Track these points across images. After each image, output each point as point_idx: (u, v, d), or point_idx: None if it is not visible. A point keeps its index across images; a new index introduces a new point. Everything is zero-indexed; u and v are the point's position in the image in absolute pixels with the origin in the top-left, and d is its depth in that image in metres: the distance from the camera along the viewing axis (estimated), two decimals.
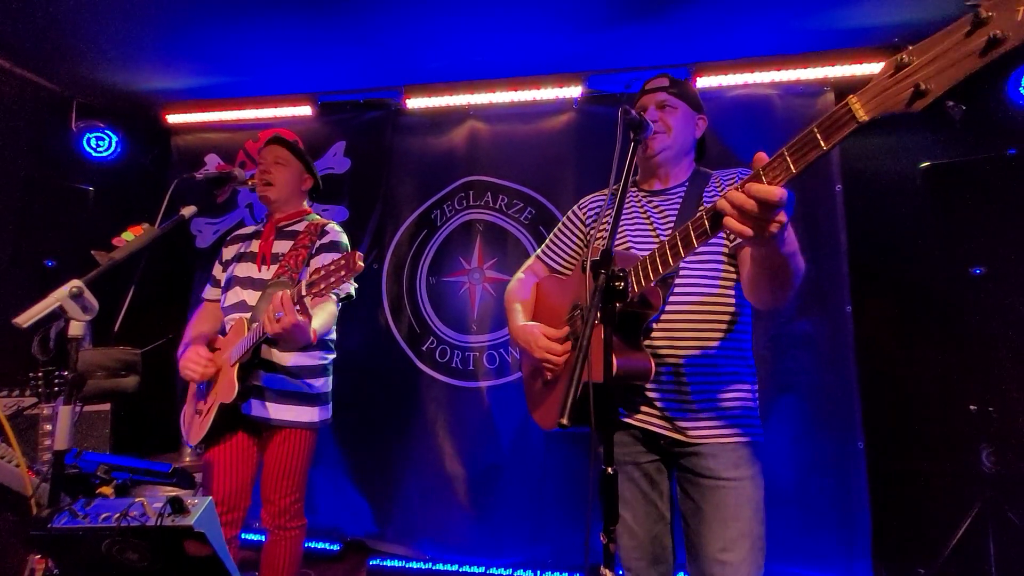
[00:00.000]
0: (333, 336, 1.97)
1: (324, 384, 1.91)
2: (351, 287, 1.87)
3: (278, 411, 1.80)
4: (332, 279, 1.43)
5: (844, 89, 2.46)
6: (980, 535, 2.18)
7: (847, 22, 2.28)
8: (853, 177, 2.42)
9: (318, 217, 2.01)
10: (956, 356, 2.37)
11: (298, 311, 1.47)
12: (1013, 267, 2.26)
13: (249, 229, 2.05)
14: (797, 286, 1.08)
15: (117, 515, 1.11)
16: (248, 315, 1.77)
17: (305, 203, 2.05)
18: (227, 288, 1.90)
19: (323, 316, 1.75)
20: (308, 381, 1.85)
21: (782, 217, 0.88)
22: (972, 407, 2.31)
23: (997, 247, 2.29)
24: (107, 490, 1.30)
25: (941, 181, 2.41)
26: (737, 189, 0.90)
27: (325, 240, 1.88)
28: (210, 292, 2.03)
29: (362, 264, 1.42)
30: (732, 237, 1.31)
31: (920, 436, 2.42)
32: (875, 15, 2.22)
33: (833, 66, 2.44)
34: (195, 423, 1.82)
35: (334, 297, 1.81)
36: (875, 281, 2.46)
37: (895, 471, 2.37)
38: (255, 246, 1.93)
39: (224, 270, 1.98)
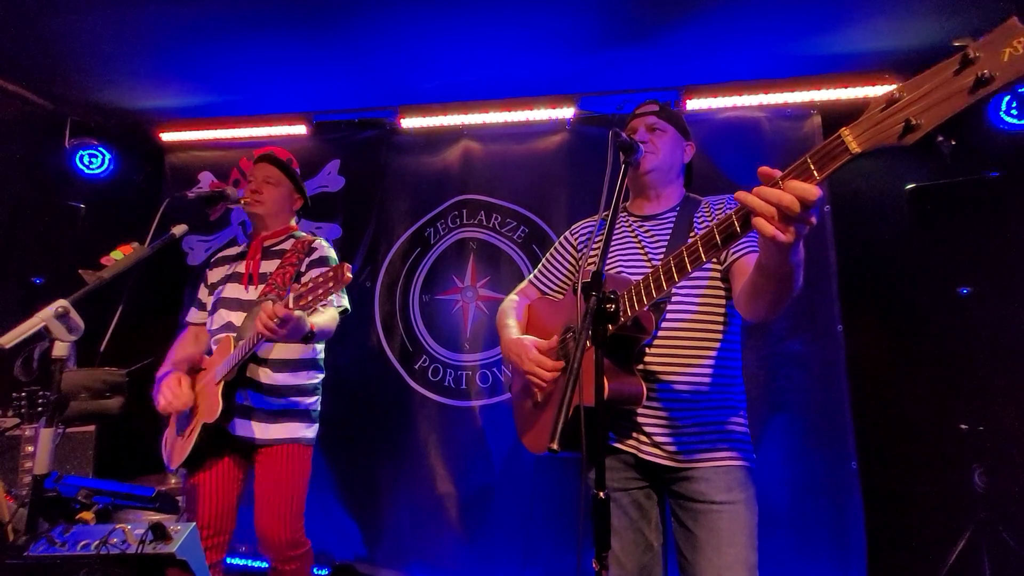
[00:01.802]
0: (322, 356, 1.95)
1: (313, 403, 1.88)
2: (345, 301, 1.86)
3: (264, 430, 1.76)
4: (320, 291, 1.42)
5: (830, 112, 2.52)
6: (975, 556, 2.17)
7: (832, 48, 2.34)
8: (841, 198, 2.45)
9: (304, 234, 1.98)
10: (946, 375, 2.38)
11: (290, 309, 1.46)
12: (998, 287, 2.29)
13: (234, 250, 2.02)
14: (793, 298, 1.08)
15: (96, 542, 1.08)
16: (235, 334, 1.75)
17: (292, 221, 2.03)
18: (214, 311, 1.87)
19: (324, 316, 1.72)
20: (296, 399, 1.82)
21: (813, 218, 0.85)
22: (963, 426, 2.32)
23: (983, 267, 2.32)
24: (87, 515, 1.27)
25: (927, 202, 2.45)
26: (773, 187, 0.85)
27: (314, 256, 1.86)
28: (195, 316, 1.99)
29: (350, 276, 1.41)
30: (723, 257, 1.32)
31: (912, 456, 2.41)
32: (859, 42, 2.29)
33: (819, 90, 2.50)
34: (177, 445, 1.77)
35: (333, 305, 1.80)
36: (865, 301, 2.48)
37: (888, 491, 2.36)
38: (241, 267, 1.90)
39: (210, 293, 1.95)
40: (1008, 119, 2.32)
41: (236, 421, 1.74)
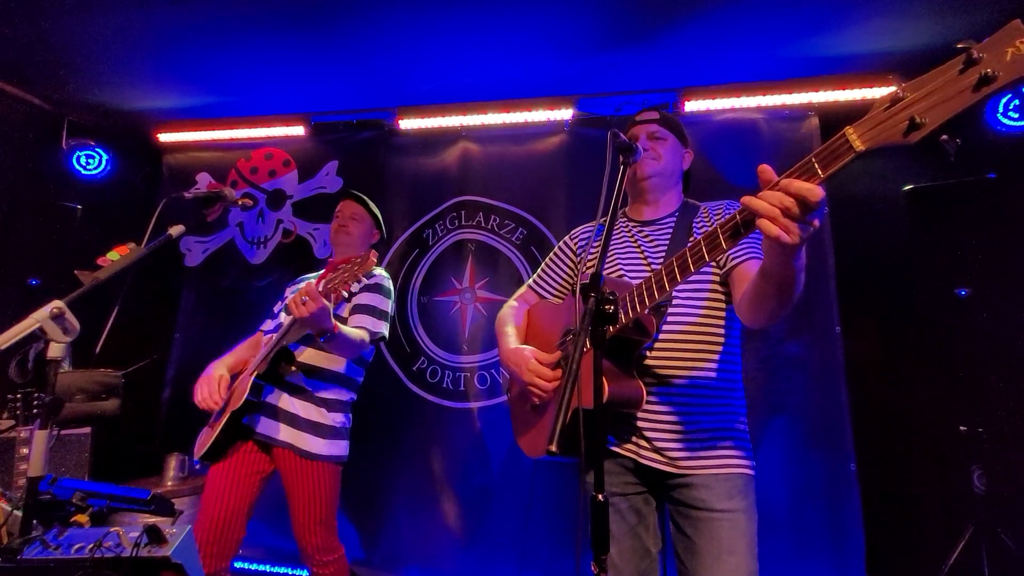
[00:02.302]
0: (360, 379, 2.01)
1: (343, 420, 1.92)
2: (384, 329, 1.93)
3: (289, 435, 1.79)
4: (346, 275, 1.54)
5: (828, 114, 2.52)
6: (974, 558, 2.16)
7: (829, 50, 2.35)
8: (839, 200, 2.45)
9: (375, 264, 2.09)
10: (945, 377, 2.38)
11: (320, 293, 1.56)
12: (996, 288, 2.29)
13: (312, 273, 2.15)
14: (794, 304, 1.08)
15: (91, 545, 1.07)
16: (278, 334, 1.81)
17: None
18: (276, 315, 1.98)
19: (352, 330, 1.80)
20: (327, 413, 1.86)
21: (816, 220, 0.86)
22: (962, 428, 2.31)
23: (980, 268, 2.32)
24: (82, 518, 1.25)
25: (924, 204, 2.45)
26: (773, 187, 0.86)
27: (371, 281, 1.94)
28: (264, 324, 2.10)
29: (375, 261, 1.54)
30: (723, 262, 1.32)
31: (911, 457, 2.41)
32: (856, 43, 2.29)
33: (817, 92, 2.50)
34: (204, 434, 1.82)
35: (368, 329, 1.86)
36: (863, 302, 2.48)
37: (887, 493, 2.36)
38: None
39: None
40: (1006, 121, 2.33)
41: (260, 418, 1.79)
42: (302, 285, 2.02)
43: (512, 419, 1.53)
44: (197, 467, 1.92)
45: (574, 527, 2.37)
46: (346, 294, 1.82)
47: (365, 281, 1.89)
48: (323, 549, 1.81)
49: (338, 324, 1.68)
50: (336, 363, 1.89)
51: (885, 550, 2.31)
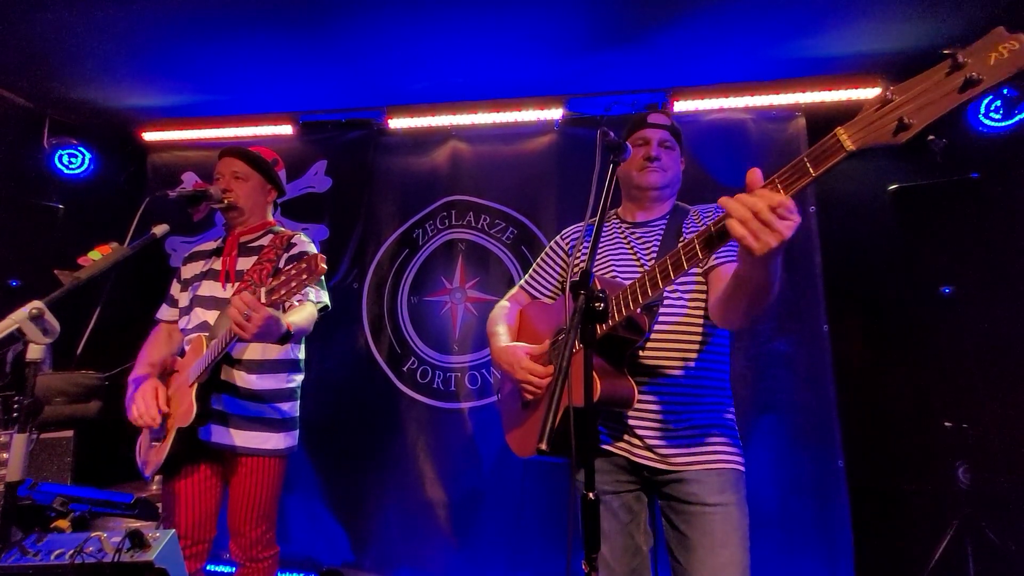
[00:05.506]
0: (302, 357, 1.89)
1: (291, 408, 1.82)
2: (325, 297, 1.81)
3: (242, 438, 1.70)
4: (293, 283, 1.34)
5: (814, 114, 2.55)
6: (959, 552, 2.20)
7: (816, 51, 2.37)
8: (826, 199, 2.48)
9: (283, 229, 1.92)
10: (929, 373, 2.42)
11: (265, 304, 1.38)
12: (979, 286, 2.33)
13: (210, 245, 1.92)
14: (765, 310, 1.09)
15: (71, 551, 1.05)
16: (207, 333, 1.68)
17: (269, 215, 1.96)
18: (189, 309, 1.80)
19: (302, 313, 1.65)
20: (275, 405, 1.76)
21: (786, 231, 0.87)
22: (947, 424, 2.35)
23: (963, 267, 2.36)
24: (63, 524, 1.23)
25: (909, 203, 2.49)
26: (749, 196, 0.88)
27: (293, 251, 1.79)
28: (166, 312, 1.91)
29: (325, 267, 1.34)
30: (704, 263, 1.33)
31: (898, 454, 2.44)
32: (842, 45, 2.32)
33: (804, 92, 2.53)
34: (152, 452, 1.71)
35: (311, 301, 1.73)
36: (850, 300, 2.51)
37: (875, 489, 2.39)
38: (218, 264, 1.83)
39: (183, 289, 1.88)
40: (988, 122, 2.36)
41: (212, 427, 1.68)
42: (206, 265, 1.82)
43: (502, 417, 1.53)
44: (148, 479, 1.83)
45: (565, 527, 2.37)
46: (297, 303, 1.66)
47: (316, 288, 1.73)
48: (263, 543, 1.74)
49: (290, 322, 1.51)
50: (283, 350, 1.77)
51: (873, 545, 2.34)
